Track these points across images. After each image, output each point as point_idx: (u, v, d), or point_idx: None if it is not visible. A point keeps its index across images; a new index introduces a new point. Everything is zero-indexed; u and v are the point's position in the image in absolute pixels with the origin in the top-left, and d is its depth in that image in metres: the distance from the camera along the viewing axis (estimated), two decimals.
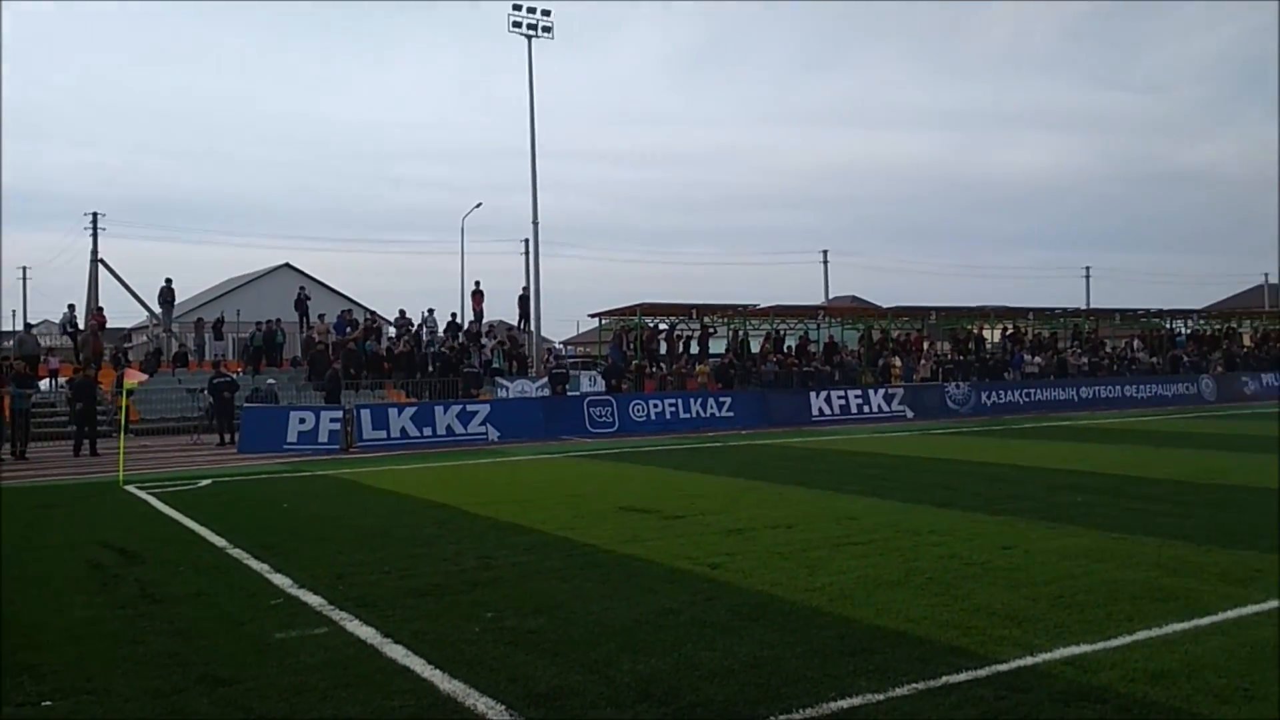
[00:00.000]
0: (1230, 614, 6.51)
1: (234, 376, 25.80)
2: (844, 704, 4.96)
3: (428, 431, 23.35)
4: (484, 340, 33.16)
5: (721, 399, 28.28)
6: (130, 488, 15.10)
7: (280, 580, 8.17)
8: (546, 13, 34.40)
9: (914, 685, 5.20)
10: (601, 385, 29.29)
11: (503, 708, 5.03)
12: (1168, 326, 43.70)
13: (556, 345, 57.06)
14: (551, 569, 8.44)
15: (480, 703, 5.11)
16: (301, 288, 36.42)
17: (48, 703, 5.29)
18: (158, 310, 35.01)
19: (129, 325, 49.49)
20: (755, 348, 35.09)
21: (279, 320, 32.57)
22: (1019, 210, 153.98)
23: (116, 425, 20.20)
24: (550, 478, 16.20)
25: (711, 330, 35.56)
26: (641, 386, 29.66)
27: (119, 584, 8.27)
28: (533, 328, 35.79)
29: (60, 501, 14.04)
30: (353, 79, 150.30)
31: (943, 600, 7.02)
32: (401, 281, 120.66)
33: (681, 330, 35.11)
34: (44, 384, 28.30)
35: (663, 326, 34.70)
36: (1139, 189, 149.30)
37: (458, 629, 6.51)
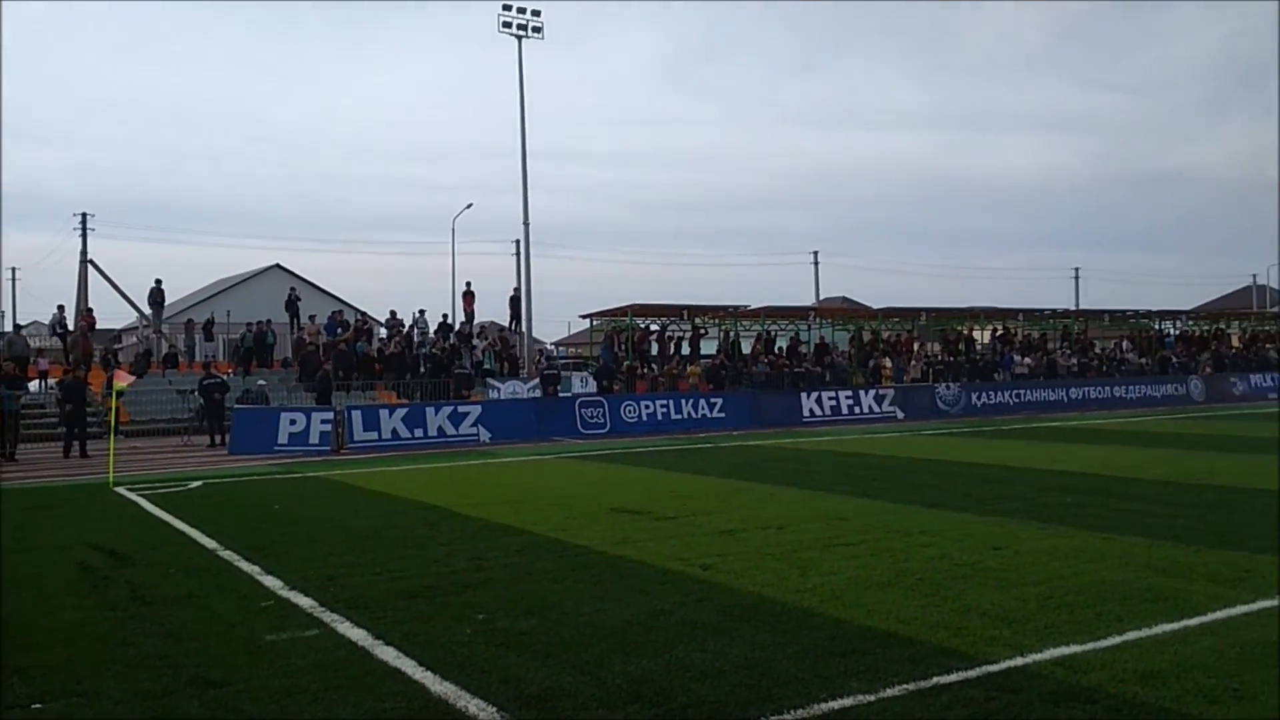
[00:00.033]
0: (1219, 614, 6.54)
1: (224, 378, 25.77)
2: (835, 705, 4.97)
3: (419, 433, 23.33)
4: (475, 341, 33.14)
5: (713, 400, 28.31)
6: (120, 489, 15.06)
7: (271, 582, 8.15)
8: (536, 13, 34.40)
9: (905, 686, 5.22)
10: (593, 386, 29.30)
11: (494, 709, 5.03)
12: (1157, 327, 43.89)
13: (548, 346, 56.88)
14: (543, 570, 8.44)
15: (472, 704, 5.11)
16: (292, 288, 36.32)
17: (38, 705, 5.27)
18: (148, 311, 34.89)
19: (119, 326, 49.40)
20: (746, 349, 35.14)
21: (269, 321, 32.51)
22: (1009, 211, 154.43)
23: (106, 427, 20.14)
24: (542, 479, 16.20)
25: (703, 331, 35.61)
26: (633, 387, 29.67)
27: (109, 586, 8.25)
28: (524, 328, 35.76)
29: (50, 503, 14.00)
30: (343, 79, 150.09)
31: (933, 601, 7.04)
32: (392, 282, 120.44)
33: (673, 331, 35.15)
34: (33, 385, 28.16)
35: (654, 327, 34.75)
36: (1128, 190, 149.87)
37: (449, 631, 6.51)
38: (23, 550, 10.07)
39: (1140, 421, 27.12)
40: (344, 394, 26.55)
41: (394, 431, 23.13)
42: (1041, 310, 41.42)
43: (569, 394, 28.19)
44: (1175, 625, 6.28)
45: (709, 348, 36.03)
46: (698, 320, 34.92)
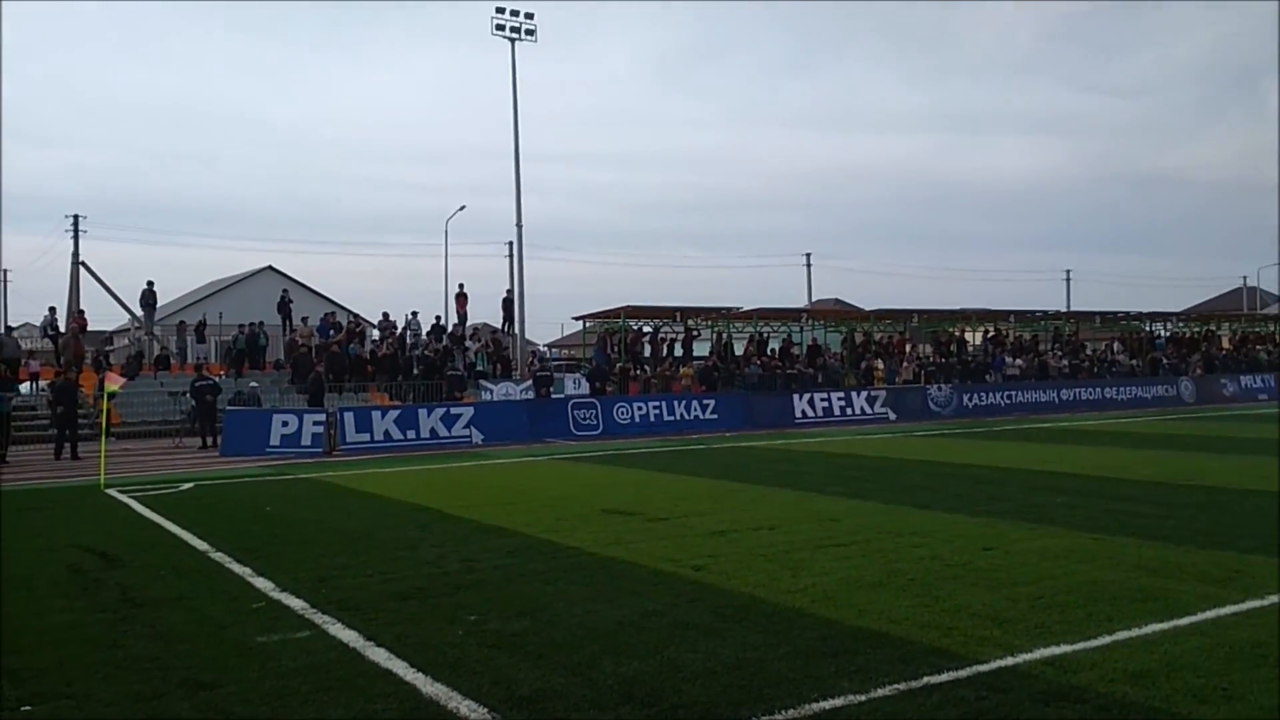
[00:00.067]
0: (1209, 614, 6.56)
1: (216, 379, 25.71)
2: (826, 705, 4.99)
3: (411, 434, 23.31)
4: (468, 343, 33.12)
5: (705, 401, 28.33)
6: (111, 491, 15.02)
7: (262, 584, 8.14)
8: (530, 15, 34.41)
9: (895, 686, 5.23)
10: (585, 388, 29.28)
11: (485, 711, 5.03)
12: (1147, 329, 44.03)
13: (541, 348, 57.04)
14: (535, 572, 8.44)
15: (463, 706, 5.11)
16: (284, 290, 36.29)
17: (27, 707, 5.26)
18: (139, 313, 34.80)
19: (110, 328, 49.19)
20: (739, 350, 35.14)
21: (262, 323, 32.45)
22: (1001, 213, 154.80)
23: (98, 428, 20.08)
24: (534, 480, 16.19)
25: (695, 333, 35.62)
26: (626, 389, 29.67)
27: (99, 588, 8.23)
28: (517, 330, 35.77)
29: (41, 505, 13.96)
30: (336, 81, 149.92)
31: (924, 601, 7.05)
32: (385, 284, 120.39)
33: (665, 333, 35.14)
34: (24, 387, 28.14)
35: (647, 329, 34.73)
36: (1119, 192, 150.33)
37: (441, 632, 6.51)
38: (13, 552, 10.03)
39: (1131, 423, 27.19)
40: (336, 396, 26.50)
41: (386, 433, 23.10)
42: (1033, 312, 41.52)
43: (561, 396, 28.17)
44: (1165, 625, 6.30)
45: (702, 349, 36.04)
46: (690, 322, 34.91)
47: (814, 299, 67.14)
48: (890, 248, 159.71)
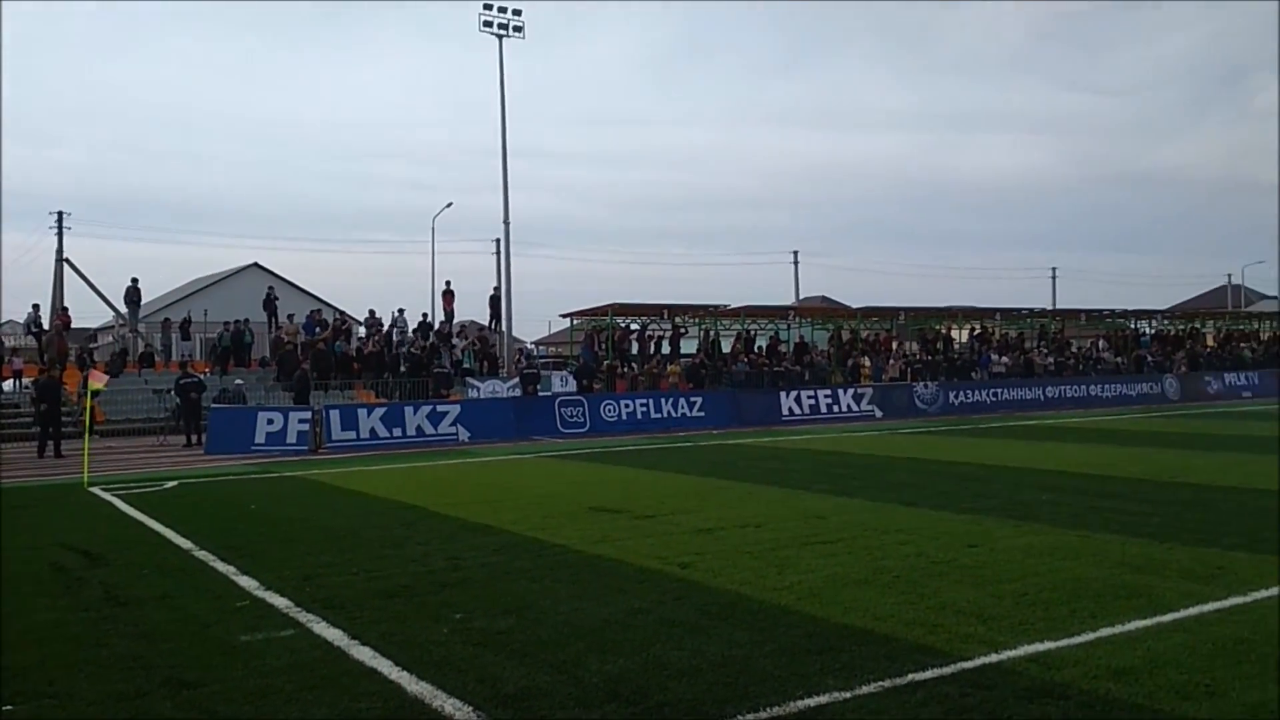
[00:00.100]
0: (1192, 611, 6.60)
1: (201, 377, 25.57)
2: (811, 702, 4.99)
3: (397, 432, 23.25)
4: (455, 340, 33.05)
5: (692, 399, 28.35)
6: (95, 489, 14.95)
7: (246, 582, 8.11)
8: (518, 12, 34.30)
9: (880, 683, 5.24)
10: (573, 385, 29.26)
11: (470, 709, 5.02)
12: (1132, 327, 44.23)
13: (528, 345, 56.87)
14: (521, 570, 8.43)
15: (448, 704, 5.10)
16: (270, 287, 36.13)
17: (9, 707, 5.23)
18: (124, 310, 34.62)
19: (95, 325, 48.96)
20: (726, 348, 35.21)
21: (247, 320, 32.32)
22: (987, 211, 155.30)
23: (81, 426, 19.96)
24: (521, 478, 16.17)
25: (683, 330, 35.66)
26: (613, 386, 29.67)
27: (82, 586, 8.19)
28: (504, 328, 35.66)
29: (24, 503, 13.86)
30: (322, 77, 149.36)
31: (909, 598, 7.07)
32: (371, 281, 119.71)
33: (653, 330, 35.17)
34: (8, 384, 27.94)
35: (634, 326, 34.75)
36: (1105, 190, 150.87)
37: (426, 630, 6.50)
38: None
39: (1115, 420, 27.33)
40: (322, 393, 26.41)
41: (372, 431, 23.05)
42: (1019, 310, 41.68)
43: (549, 393, 28.14)
44: (1148, 622, 6.33)
45: (689, 347, 36.08)
46: (678, 319, 34.95)
47: (801, 297, 67.28)
48: (877, 246, 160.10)
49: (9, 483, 16.63)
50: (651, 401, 27.60)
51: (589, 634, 6.31)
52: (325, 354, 28.92)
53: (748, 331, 35.50)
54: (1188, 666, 5.43)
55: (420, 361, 29.55)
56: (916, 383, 32.68)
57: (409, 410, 24.03)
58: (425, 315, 34.68)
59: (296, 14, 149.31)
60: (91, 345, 34.03)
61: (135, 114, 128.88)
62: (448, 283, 36.12)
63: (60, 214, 46.14)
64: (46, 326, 30.37)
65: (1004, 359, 36.95)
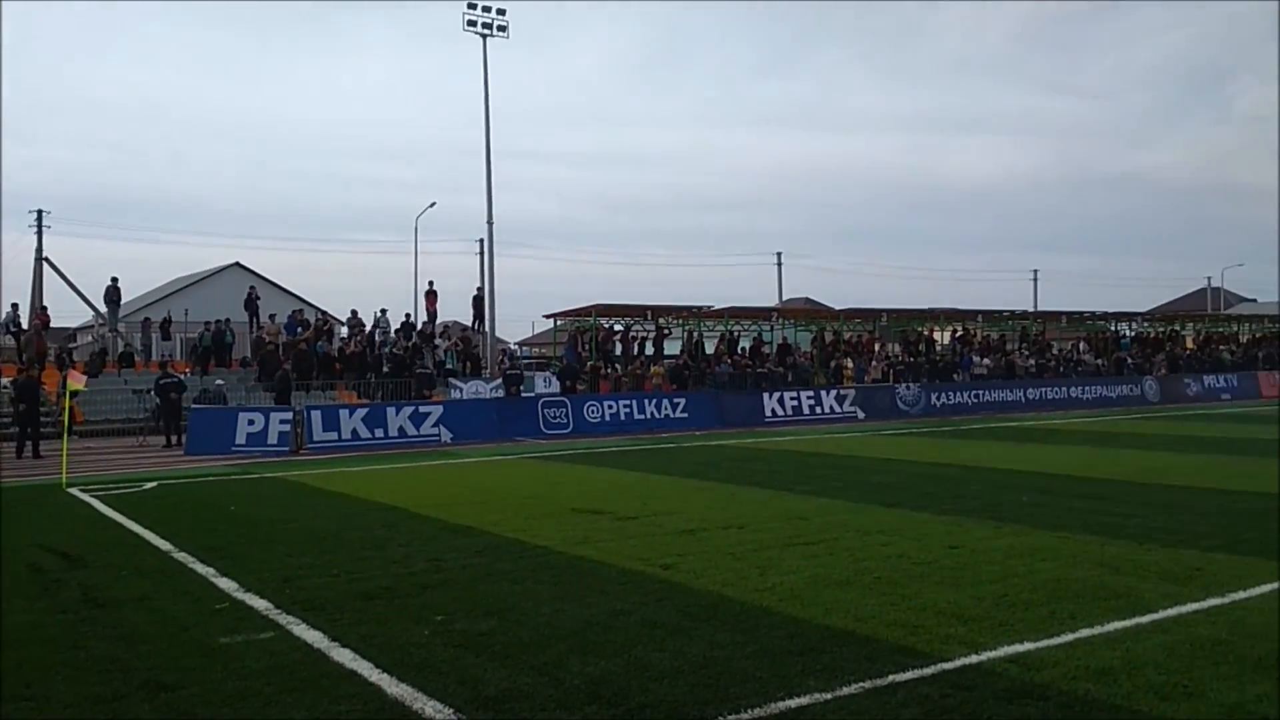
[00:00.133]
0: (1171, 612, 6.64)
1: (181, 377, 25.43)
2: (792, 703, 5.00)
3: (379, 433, 23.17)
4: (437, 341, 32.96)
5: (676, 400, 28.35)
6: (73, 490, 14.84)
7: (226, 584, 8.06)
8: (502, 12, 34.24)
9: (861, 684, 5.26)
10: (556, 386, 29.23)
11: (451, 711, 5.01)
12: (1113, 329, 44.53)
13: (511, 346, 56.78)
14: (503, 571, 8.41)
15: (428, 706, 5.08)
16: (252, 287, 35.97)
17: None
18: (103, 310, 34.35)
19: (74, 325, 48.62)
20: (710, 349, 35.23)
21: (228, 320, 32.16)
22: (969, 213, 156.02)
23: (60, 426, 19.80)
24: (503, 479, 16.14)
25: (666, 331, 35.67)
26: (596, 387, 29.65)
27: (60, 588, 8.12)
28: (487, 328, 35.60)
29: (1, 504, 13.73)
30: (305, 76, 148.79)
31: (890, 599, 7.09)
32: (354, 281, 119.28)
33: (637, 331, 35.18)
34: None
35: (618, 327, 34.75)
36: (1086, 193, 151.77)
37: (407, 632, 6.47)
38: None
39: (1096, 422, 27.49)
40: (303, 394, 26.28)
41: (354, 432, 22.95)
42: (1000, 311, 41.88)
43: (532, 394, 28.09)
44: (1127, 623, 6.37)
45: (673, 348, 36.10)
46: (661, 320, 34.97)
47: (784, 298, 67.41)
48: (860, 247, 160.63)
49: None
50: (635, 403, 27.60)
51: (571, 635, 6.30)
52: (307, 354, 28.79)
53: (731, 333, 35.56)
54: (1166, 667, 5.46)
55: (403, 362, 29.45)
56: (899, 384, 32.78)
57: (391, 411, 23.94)
58: (408, 315, 34.61)
59: (279, 12, 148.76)
60: (71, 345, 33.80)
61: (116, 111, 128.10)
62: (430, 283, 36.13)
63: (40, 212, 45.80)
64: (25, 326, 30.14)
65: (986, 361, 37.12)
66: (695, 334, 35.17)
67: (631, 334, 34.86)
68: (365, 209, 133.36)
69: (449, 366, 31.08)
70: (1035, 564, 8.24)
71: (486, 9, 33.90)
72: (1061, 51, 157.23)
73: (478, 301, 36.10)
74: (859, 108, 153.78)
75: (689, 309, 34.55)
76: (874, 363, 35.43)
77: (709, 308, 34.50)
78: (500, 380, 29.13)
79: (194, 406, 23.39)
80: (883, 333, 40.12)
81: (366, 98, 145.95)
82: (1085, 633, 6.15)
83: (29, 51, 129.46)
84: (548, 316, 36.29)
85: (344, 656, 5.94)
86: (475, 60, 34.15)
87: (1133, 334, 44.89)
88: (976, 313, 40.38)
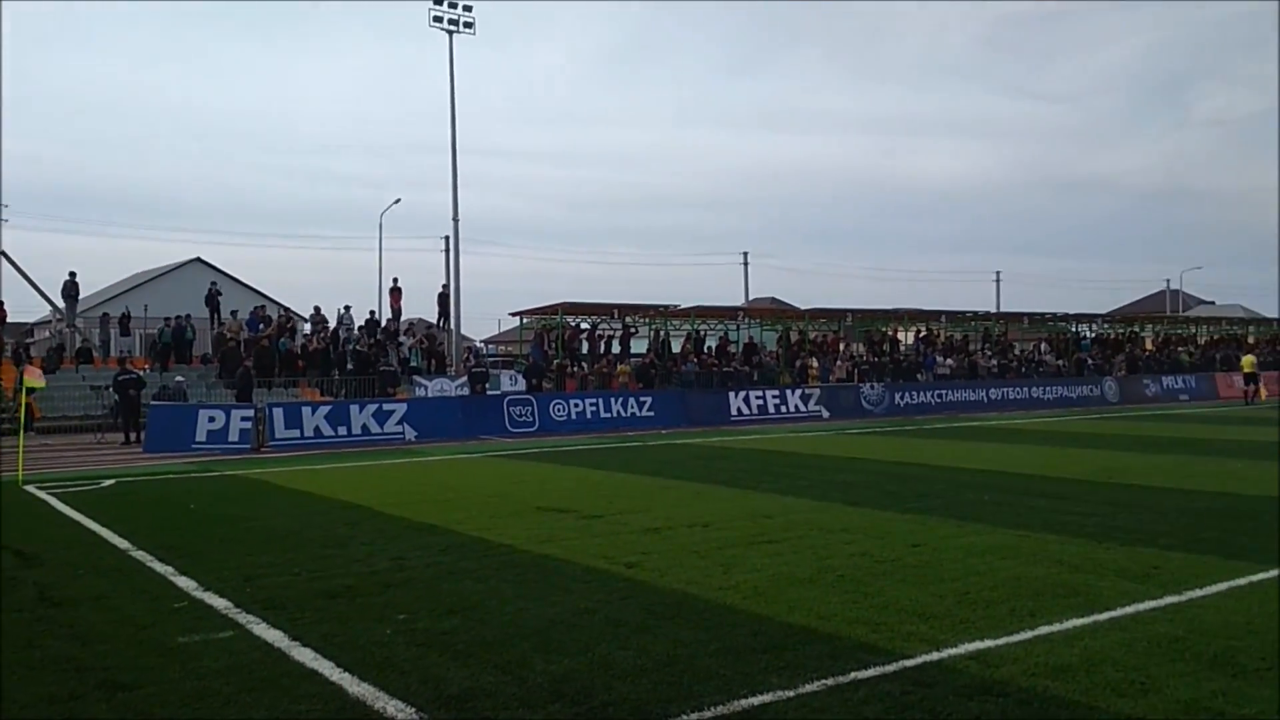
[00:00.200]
0: (1128, 609, 6.72)
1: (140, 374, 25.10)
2: (755, 701, 5.01)
3: (342, 431, 23.01)
4: (402, 338, 32.76)
5: (642, 399, 28.38)
6: (30, 488, 14.62)
7: (185, 583, 7.97)
8: (468, 8, 34.13)
9: (824, 681, 5.28)
10: (522, 384, 29.16)
11: (413, 710, 4.98)
12: (1073, 330, 45.06)
13: (477, 344, 56.53)
14: (466, 570, 8.37)
15: (390, 705, 5.04)
16: (213, 283, 35.57)
17: None
18: (61, 305, 33.85)
19: (31, 320, 47.82)
20: (676, 348, 35.29)
21: (189, 316, 31.80)
22: (933, 215, 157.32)
23: (16, 423, 19.49)
24: (468, 478, 16.07)
25: (633, 330, 35.68)
26: (562, 386, 29.61)
27: (16, 587, 7.98)
28: (452, 326, 35.45)
29: None
30: (269, 70, 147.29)
31: (853, 597, 7.13)
32: (317, 277, 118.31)
33: (603, 330, 35.15)
34: None
35: (584, 326, 34.71)
36: (1047, 195, 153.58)
37: (369, 631, 6.42)
38: None
39: (1056, 422, 27.79)
40: (265, 391, 26.05)
41: (317, 430, 22.77)
42: (964, 312, 42.27)
43: (497, 392, 28.01)
44: (1085, 620, 6.44)
45: (639, 346, 36.13)
46: (628, 319, 34.97)
47: (751, 298, 67.64)
48: (826, 248, 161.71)
49: None
50: (601, 401, 27.59)
51: (534, 634, 6.28)
52: (269, 351, 28.51)
53: (697, 332, 35.64)
54: (1124, 664, 5.53)
55: (366, 359, 29.27)
56: (863, 384, 33.02)
57: (354, 409, 23.79)
58: (372, 313, 34.41)
59: (242, 6, 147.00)
60: (28, 340, 33.20)
61: (75, 103, 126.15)
62: (395, 280, 35.86)
63: None
64: None
65: (949, 361, 37.47)
66: (662, 333, 35.21)
67: (598, 332, 34.84)
68: (330, 205, 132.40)
69: (414, 364, 30.92)
70: (996, 562, 8.32)
71: (453, 5, 33.81)
72: (1024, 56, 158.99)
73: (443, 299, 35.94)
74: (824, 109, 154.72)
75: (655, 308, 34.58)
76: (839, 362, 35.66)
77: (675, 307, 34.55)
78: (465, 378, 29.04)
79: (153, 403, 23.11)
80: (847, 333, 40.35)
81: (332, 93, 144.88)
82: (1044, 630, 6.21)
83: None
84: (514, 314, 36.21)
85: (305, 656, 5.89)
86: (442, 57, 33.92)
87: (1093, 335, 45.47)
88: (940, 313, 40.73)
